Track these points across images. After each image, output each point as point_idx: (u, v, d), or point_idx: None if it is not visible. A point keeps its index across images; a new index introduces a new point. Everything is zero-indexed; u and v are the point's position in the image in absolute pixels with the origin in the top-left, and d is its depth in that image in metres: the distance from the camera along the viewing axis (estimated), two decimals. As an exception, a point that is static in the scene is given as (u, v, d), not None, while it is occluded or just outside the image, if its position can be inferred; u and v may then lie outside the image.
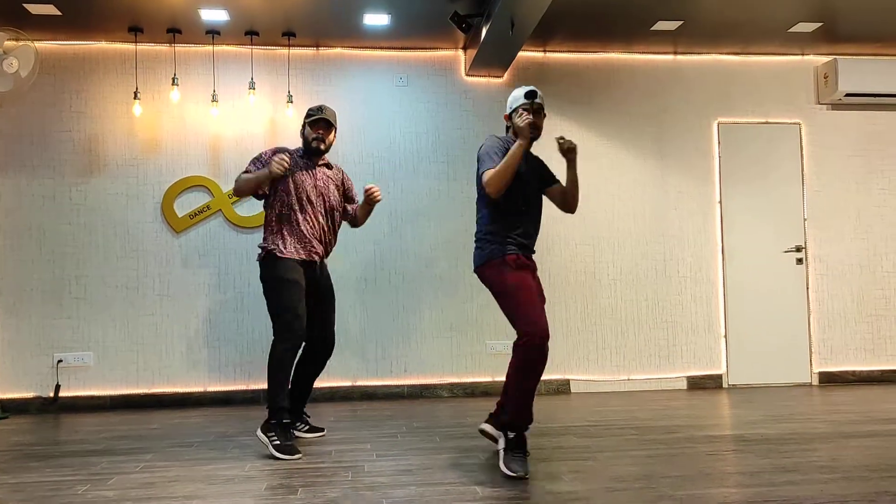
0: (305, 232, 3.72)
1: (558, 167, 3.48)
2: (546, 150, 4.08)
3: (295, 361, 3.67)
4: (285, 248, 3.68)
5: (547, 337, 3.04)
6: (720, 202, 5.80)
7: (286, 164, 3.60)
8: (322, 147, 3.83)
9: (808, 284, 5.82)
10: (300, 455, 3.45)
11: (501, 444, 3.18)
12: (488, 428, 3.52)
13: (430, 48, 5.61)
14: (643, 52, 5.79)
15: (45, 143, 5.26)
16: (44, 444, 3.93)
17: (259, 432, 3.57)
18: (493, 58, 5.26)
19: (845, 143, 5.93)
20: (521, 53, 5.56)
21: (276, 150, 3.82)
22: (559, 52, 5.73)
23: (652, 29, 5.32)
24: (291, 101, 5.35)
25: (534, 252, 3.36)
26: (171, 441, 3.94)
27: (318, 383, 5.12)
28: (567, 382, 5.58)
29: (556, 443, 3.70)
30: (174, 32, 5.19)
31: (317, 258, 3.78)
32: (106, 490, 2.95)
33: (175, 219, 5.31)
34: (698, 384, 5.68)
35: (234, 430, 4.23)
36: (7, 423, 4.67)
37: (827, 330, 5.83)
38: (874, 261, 5.91)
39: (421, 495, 2.78)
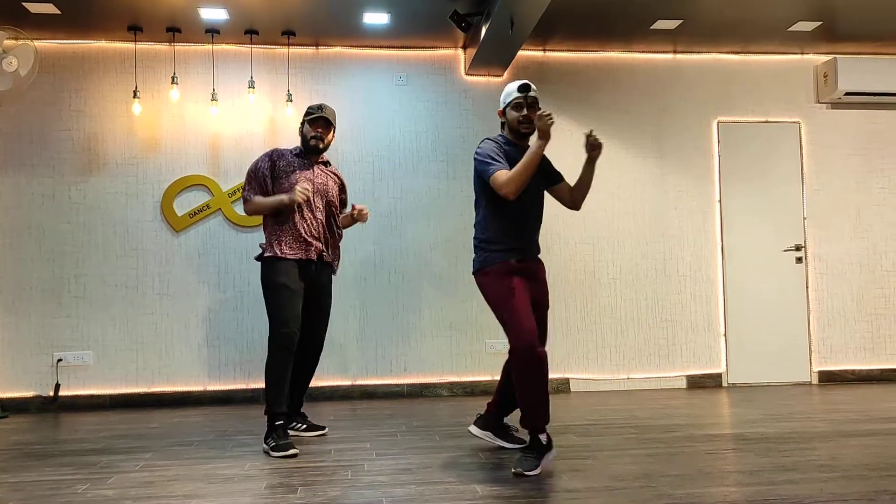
0: (303, 231, 3.72)
1: (561, 164, 3.47)
2: (547, 150, 4.06)
3: (290, 365, 3.65)
4: (283, 248, 3.69)
5: (534, 345, 3.01)
6: (720, 201, 5.80)
7: (308, 195, 3.67)
8: (321, 146, 3.83)
9: (807, 283, 5.82)
10: (296, 451, 3.46)
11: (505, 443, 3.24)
12: (475, 430, 3.61)
13: (430, 47, 5.60)
14: (643, 52, 5.79)
15: (44, 141, 5.26)
16: (43, 443, 3.93)
17: (263, 444, 3.61)
18: (492, 57, 5.26)
19: (845, 141, 5.93)
20: (520, 52, 5.56)
21: (271, 155, 3.81)
22: (559, 51, 5.73)
23: (651, 28, 5.32)
24: (291, 101, 5.35)
25: (538, 251, 3.34)
26: (171, 440, 3.94)
27: (318, 382, 5.15)
28: (567, 381, 5.58)
29: (555, 441, 3.68)
30: (174, 31, 5.18)
31: (315, 256, 3.78)
32: (105, 489, 2.95)
33: (175, 218, 5.31)
34: (698, 383, 5.69)
35: (234, 429, 4.23)
36: (7, 422, 4.67)
37: (826, 329, 5.83)
38: (874, 260, 5.91)
39: (420, 494, 2.78)
